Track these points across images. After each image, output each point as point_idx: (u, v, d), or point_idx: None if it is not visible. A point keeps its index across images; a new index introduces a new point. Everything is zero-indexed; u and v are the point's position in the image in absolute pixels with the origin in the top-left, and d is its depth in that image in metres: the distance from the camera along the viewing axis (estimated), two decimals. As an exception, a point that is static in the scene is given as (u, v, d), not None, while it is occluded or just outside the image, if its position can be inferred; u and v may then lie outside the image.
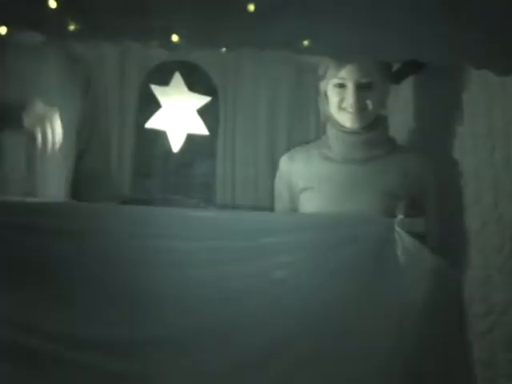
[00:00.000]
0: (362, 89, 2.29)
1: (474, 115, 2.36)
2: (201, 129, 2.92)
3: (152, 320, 1.94)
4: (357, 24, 1.64)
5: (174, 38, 1.60)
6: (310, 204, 2.36)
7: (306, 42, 1.59)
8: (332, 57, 2.14)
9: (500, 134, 2.24)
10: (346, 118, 2.33)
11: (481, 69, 1.90)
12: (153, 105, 2.89)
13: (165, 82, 2.89)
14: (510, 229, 2.21)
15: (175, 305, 1.95)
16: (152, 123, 2.90)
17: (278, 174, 2.49)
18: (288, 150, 2.57)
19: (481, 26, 1.63)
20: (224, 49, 1.72)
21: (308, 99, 2.99)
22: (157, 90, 2.90)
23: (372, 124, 2.35)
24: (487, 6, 1.56)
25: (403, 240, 1.97)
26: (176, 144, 2.90)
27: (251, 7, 1.37)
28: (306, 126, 3.02)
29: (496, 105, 2.24)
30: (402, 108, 2.69)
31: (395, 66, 2.52)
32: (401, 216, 2.08)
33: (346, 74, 2.28)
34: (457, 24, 1.66)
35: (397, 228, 1.99)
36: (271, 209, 2.52)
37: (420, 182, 2.32)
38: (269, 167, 2.94)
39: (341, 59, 2.19)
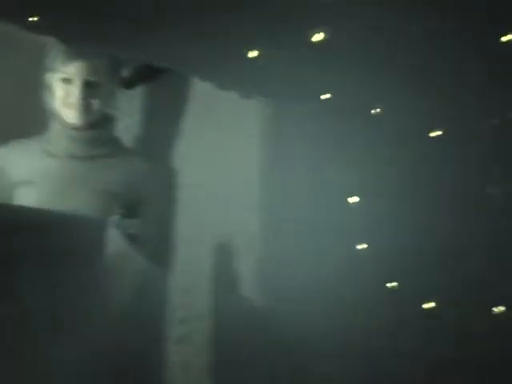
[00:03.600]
0: (89, 87, 2.27)
1: (197, 127, 2.46)
2: None
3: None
4: (94, 14, 1.62)
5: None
6: (28, 199, 2.28)
7: (34, 18, 1.51)
8: (61, 41, 2.09)
9: (219, 146, 2.35)
10: (70, 114, 2.30)
11: (205, 81, 2.01)
12: None
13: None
14: (216, 240, 2.32)
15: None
16: None
17: None
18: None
19: (207, 39, 1.74)
20: None
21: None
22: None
23: (97, 122, 2.35)
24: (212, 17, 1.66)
25: (114, 240, 1.97)
26: None
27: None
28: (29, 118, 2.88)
29: (219, 117, 2.35)
30: (133, 112, 2.71)
31: (128, 72, 2.53)
32: (116, 216, 2.10)
33: (74, 70, 2.26)
34: (187, 32, 1.75)
35: (110, 228, 1.99)
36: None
37: (142, 184, 2.37)
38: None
39: (69, 45, 2.15)
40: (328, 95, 2.08)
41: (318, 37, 1.88)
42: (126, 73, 2.50)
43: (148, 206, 2.37)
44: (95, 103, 2.30)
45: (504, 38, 1.82)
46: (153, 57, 2.07)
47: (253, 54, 1.93)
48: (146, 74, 2.57)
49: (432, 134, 2.00)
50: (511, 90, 1.89)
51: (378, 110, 2.04)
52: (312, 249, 2.18)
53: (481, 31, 1.87)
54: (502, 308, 1.82)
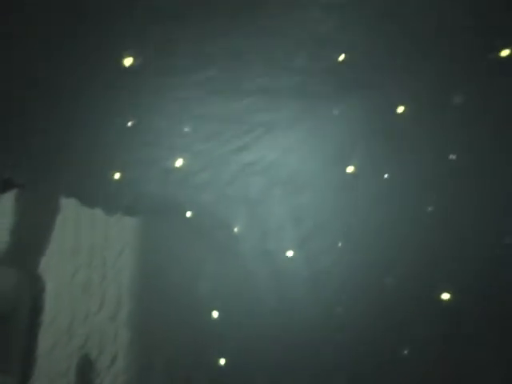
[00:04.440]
0: None
1: (63, 238, 2.48)
2: None
3: None
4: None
5: None
6: None
7: None
8: None
9: (84, 258, 2.38)
10: None
11: (69, 197, 2.08)
12: None
13: None
14: (78, 352, 2.31)
15: None
16: None
17: None
18: None
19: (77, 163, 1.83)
20: None
21: None
22: None
23: None
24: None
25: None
26: None
27: None
28: None
29: (84, 230, 2.39)
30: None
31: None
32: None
33: None
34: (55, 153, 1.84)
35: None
36: None
37: (8, 297, 2.32)
38: None
39: None
40: (189, 213, 2.18)
41: (179, 162, 2.00)
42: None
43: (13, 318, 2.33)
44: None
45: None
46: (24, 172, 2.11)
47: (117, 175, 2.01)
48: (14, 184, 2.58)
49: (288, 254, 2.13)
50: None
51: (236, 229, 2.17)
52: (176, 361, 2.21)
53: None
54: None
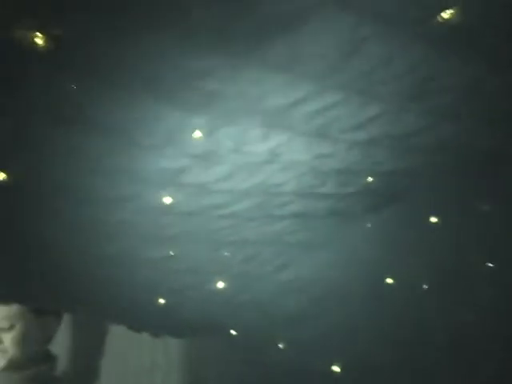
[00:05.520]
0: None
1: (111, 362, 2.53)
2: None
3: None
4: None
5: None
6: None
7: None
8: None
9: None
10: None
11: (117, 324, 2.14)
12: None
13: None
14: None
15: None
16: None
17: None
18: None
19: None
20: None
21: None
22: None
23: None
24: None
25: None
26: None
27: None
28: None
29: (131, 354, 2.45)
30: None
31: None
32: None
33: None
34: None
35: None
36: None
37: None
38: None
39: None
40: (234, 331, 2.23)
41: (220, 284, 2.06)
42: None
43: None
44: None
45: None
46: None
47: (161, 300, 2.08)
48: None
49: (335, 369, 2.14)
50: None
51: (281, 345, 2.20)
52: None
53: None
54: None
